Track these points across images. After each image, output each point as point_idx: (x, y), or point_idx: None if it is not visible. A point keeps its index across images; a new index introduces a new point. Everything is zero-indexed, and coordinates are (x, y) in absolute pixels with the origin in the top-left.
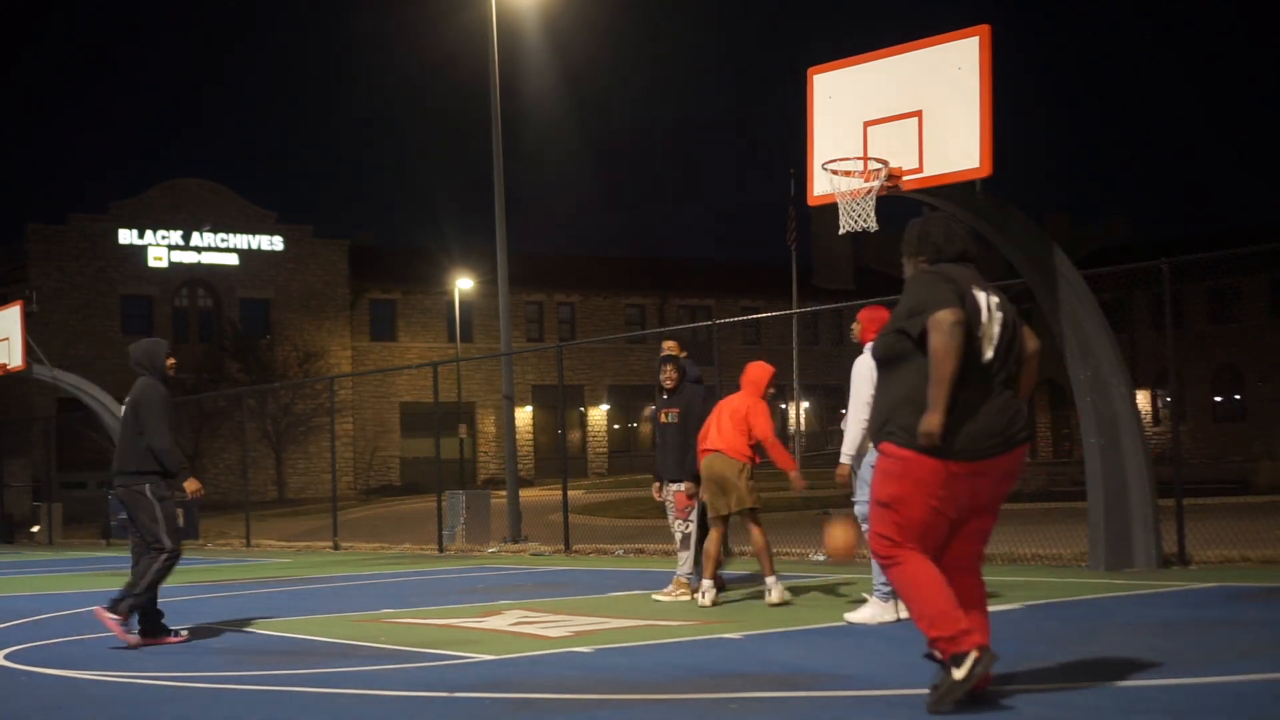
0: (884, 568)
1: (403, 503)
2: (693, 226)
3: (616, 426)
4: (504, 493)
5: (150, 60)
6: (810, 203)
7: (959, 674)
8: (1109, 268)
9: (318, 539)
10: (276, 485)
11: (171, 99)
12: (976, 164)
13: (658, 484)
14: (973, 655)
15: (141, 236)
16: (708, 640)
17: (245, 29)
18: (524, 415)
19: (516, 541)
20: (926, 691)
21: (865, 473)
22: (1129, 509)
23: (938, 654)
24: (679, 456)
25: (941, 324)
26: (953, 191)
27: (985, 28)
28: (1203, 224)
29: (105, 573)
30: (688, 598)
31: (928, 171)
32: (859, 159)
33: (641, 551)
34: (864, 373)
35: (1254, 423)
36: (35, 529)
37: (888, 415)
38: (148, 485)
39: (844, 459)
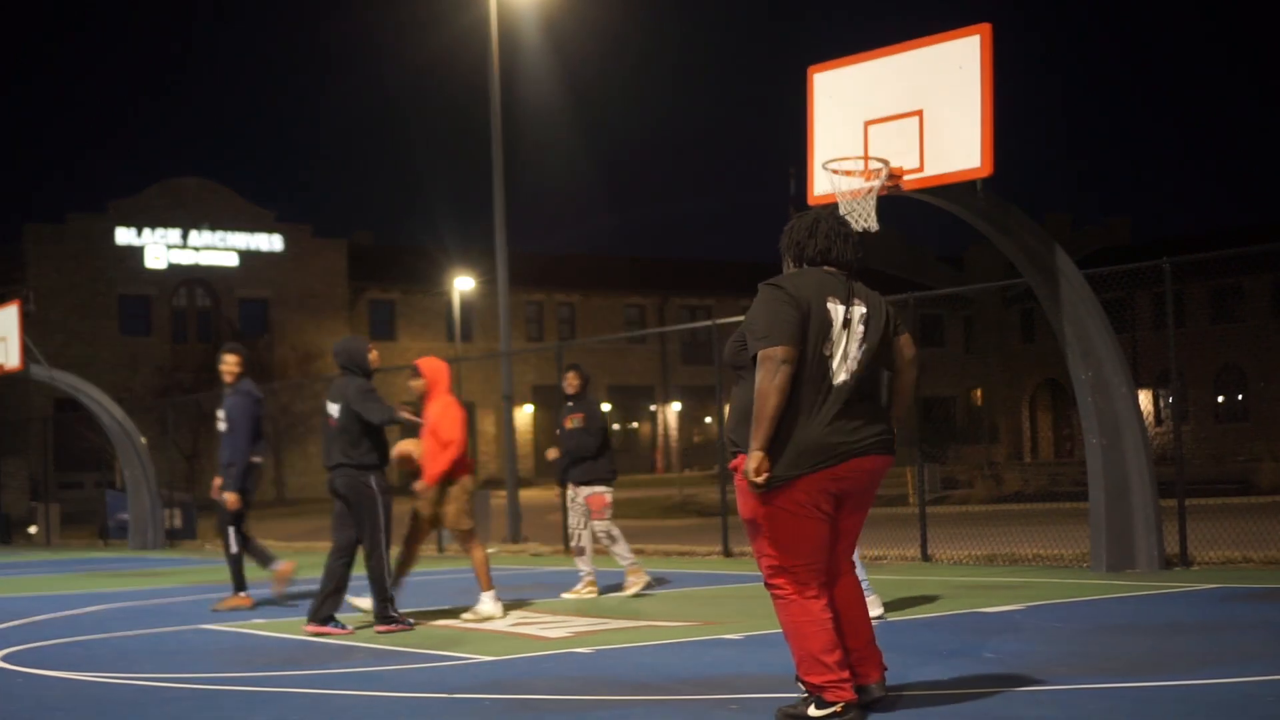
0: (771, 596)
1: (402, 503)
2: (693, 226)
3: (616, 426)
4: (503, 493)
5: (149, 59)
6: (810, 203)
7: (815, 714)
8: (1110, 267)
9: (317, 539)
10: (276, 485)
11: (170, 98)
12: (977, 163)
13: (561, 488)
14: (835, 709)
15: (139, 236)
16: (708, 641)
17: (245, 28)
18: (524, 415)
19: (516, 541)
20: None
21: None
22: (1131, 509)
23: (804, 686)
24: (588, 460)
25: (767, 360)
26: (953, 191)
27: (986, 27)
28: (1204, 223)
29: (103, 573)
30: (644, 582)
31: (928, 171)
32: (859, 159)
33: (641, 552)
34: None
35: (1256, 423)
36: (33, 529)
37: (734, 428)
38: (373, 478)
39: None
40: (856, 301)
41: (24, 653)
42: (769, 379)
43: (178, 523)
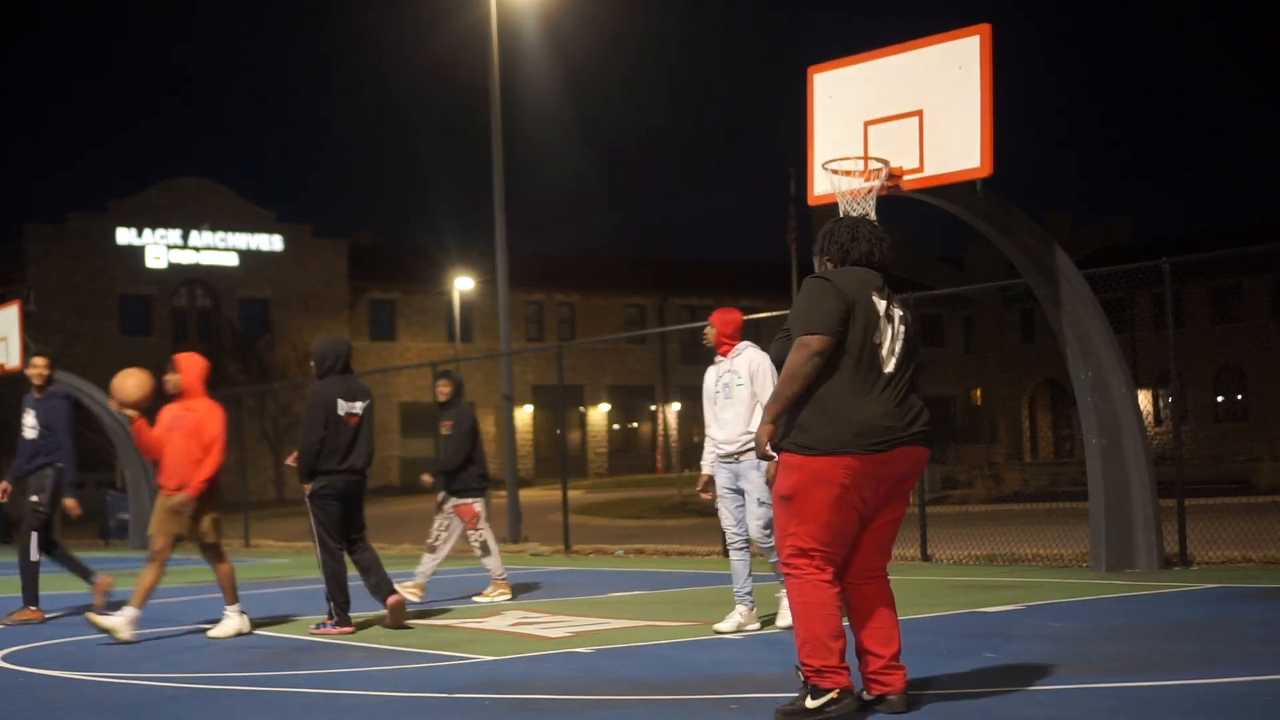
0: (785, 575)
1: (402, 503)
2: (693, 226)
3: (616, 426)
4: (504, 493)
5: (149, 59)
6: (810, 203)
7: (811, 705)
8: (1110, 267)
9: None
10: (276, 485)
11: (170, 98)
12: (977, 163)
13: (442, 494)
14: (831, 695)
15: (140, 236)
16: (708, 641)
17: (245, 28)
18: (524, 415)
19: (516, 542)
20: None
21: (753, 475)
22: (1130, 509)
23: (802, 675)
24: (457, 470)
25: (805, 347)
26: (953, 191)
27: (986, 27)
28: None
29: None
30: (508, 594)
31: (928, 171)
32: (859, 159)
33: (641, 552)
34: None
35: (1256, 423)
36: None
37: (790, 420)
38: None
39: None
40: (895, 300)
41: (24, 653)
42: (802, 363)
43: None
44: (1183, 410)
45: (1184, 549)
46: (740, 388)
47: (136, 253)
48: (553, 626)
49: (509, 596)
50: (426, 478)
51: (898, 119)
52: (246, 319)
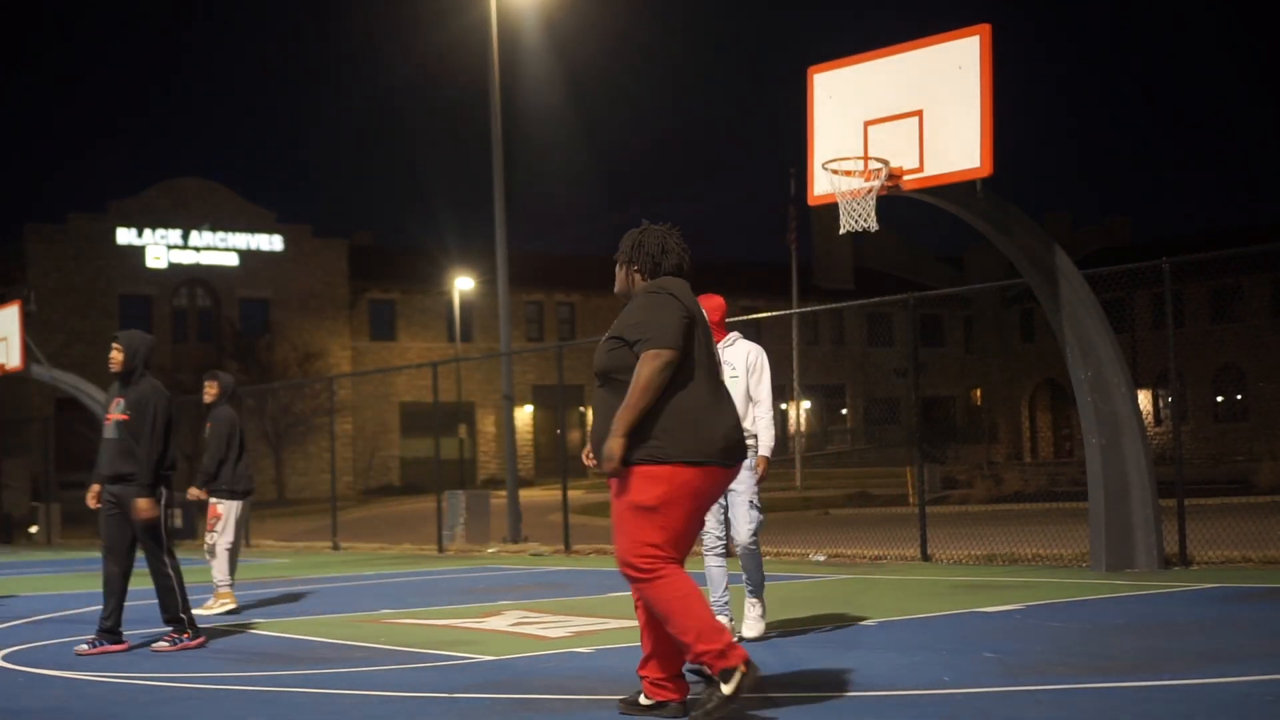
0: (640, 582)
1: (402, 503)
2: (693, 226)
3: None
4: (504, 493)
5: (149, 59)
6: (810, 203)
7: (728, 689)
8: (1110, 267)
9: (317, 539)
10: (276, 485)
11: (170, 98)
12: (977, 163)
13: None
14: (740, 670)
15: (140, 236)
16: None
17: (245, 27)
18: (524, 415)
19: (516, 542)
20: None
21: (744, 475)
22: (1130, 509)
23: (706, 669)
24: (213, 471)
25: (657, 359)
26: (953, 191)
27: (986, 27)
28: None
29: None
30: (232, 605)
31: (928, 171)
32: (859, 159)
33: None
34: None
35: (1255, 422)
36: (34, 529)
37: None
38: None
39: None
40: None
41: (24, 653)
42: (654, 375)
43: (178, 523)
44: (1182, 410)
45: (1184, 549)
46: (734, 380)
47: (136, 253)
48: (553, 626)
49: (231, 608)
50: (194, 492)
51: (898, 119)
52: (246, 319)
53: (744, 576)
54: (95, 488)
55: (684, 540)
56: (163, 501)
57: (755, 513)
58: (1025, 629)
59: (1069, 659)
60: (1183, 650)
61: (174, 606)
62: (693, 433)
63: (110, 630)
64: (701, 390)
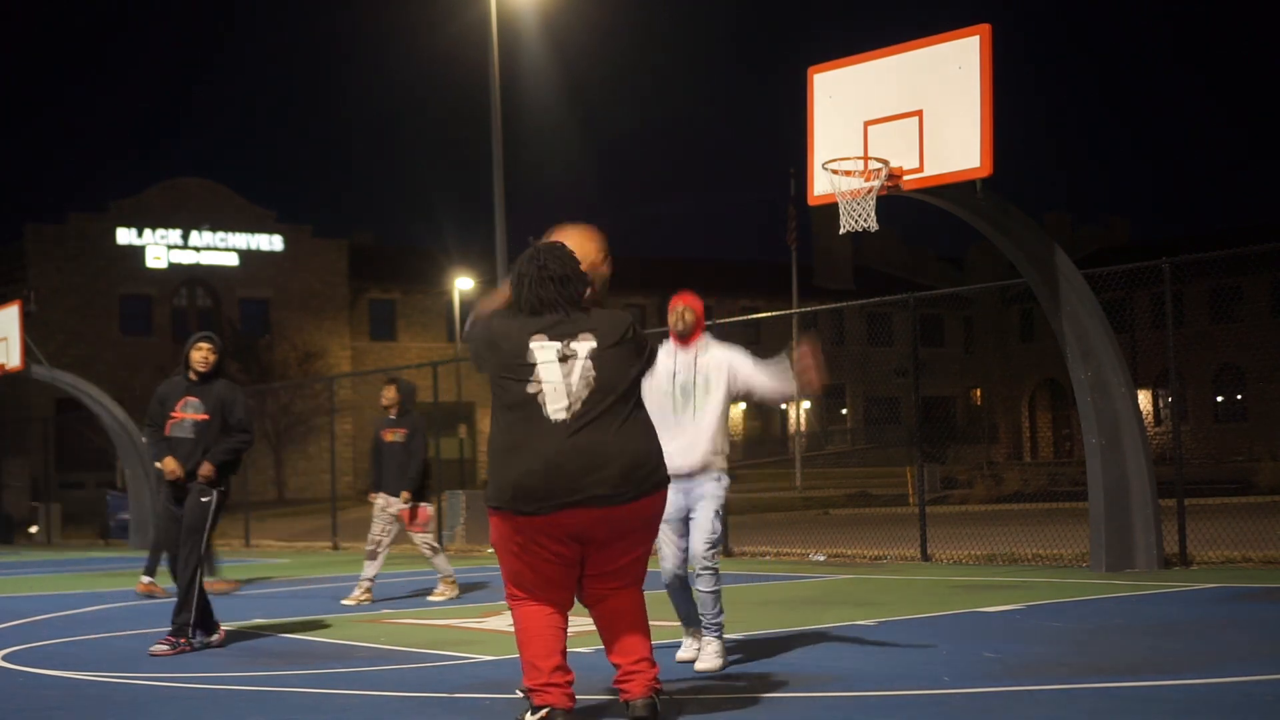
0: (508, 601)
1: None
2: (693, 226)
3: None
4: None
5: (149, 59)
6: (810, 203)
7: (531, 719)
8: (1110, 267)
9: (317, 539)
10: (276, 485)
11: (170, 98)
12: (977, 164)
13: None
14: (542, 712)
15: (140, 236)
16: None
17: (245, 27)
18: None
19: None
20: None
21: (711, 488)
22: (1130, 509)
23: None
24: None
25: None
26: (953, 191)
27: (986, 27)
28: (1203, 223)
29: (104, 573)
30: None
31: (928, 171)
32: (859, 159)
33: None
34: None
35: (1255, 422)
36: (34, 529)
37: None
38: None
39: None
40: (584, 336)
41: (24, 652)
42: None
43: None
44: (1182, 410)
45: (1184, 549)
46: (707, 396)
47: (137, 253)
48: None
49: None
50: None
51: (897, 119)
52: (247, 319)
53: (698, 605)
54: (171, 461)
55: (524, 580)
56: (216, 503)
57: (716, 521)
58: (1025, 629)
59: (1069, 659)
60: (1183, 650)
61: (187, 611)
62: (492, 476)
63: (195, 625)
64: (500, 431)
